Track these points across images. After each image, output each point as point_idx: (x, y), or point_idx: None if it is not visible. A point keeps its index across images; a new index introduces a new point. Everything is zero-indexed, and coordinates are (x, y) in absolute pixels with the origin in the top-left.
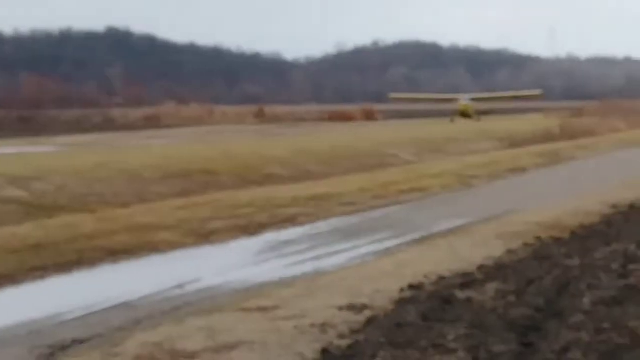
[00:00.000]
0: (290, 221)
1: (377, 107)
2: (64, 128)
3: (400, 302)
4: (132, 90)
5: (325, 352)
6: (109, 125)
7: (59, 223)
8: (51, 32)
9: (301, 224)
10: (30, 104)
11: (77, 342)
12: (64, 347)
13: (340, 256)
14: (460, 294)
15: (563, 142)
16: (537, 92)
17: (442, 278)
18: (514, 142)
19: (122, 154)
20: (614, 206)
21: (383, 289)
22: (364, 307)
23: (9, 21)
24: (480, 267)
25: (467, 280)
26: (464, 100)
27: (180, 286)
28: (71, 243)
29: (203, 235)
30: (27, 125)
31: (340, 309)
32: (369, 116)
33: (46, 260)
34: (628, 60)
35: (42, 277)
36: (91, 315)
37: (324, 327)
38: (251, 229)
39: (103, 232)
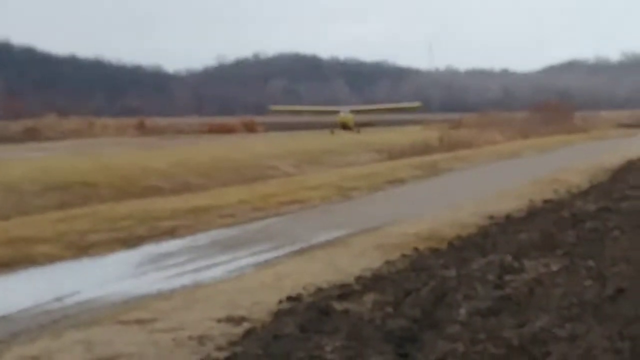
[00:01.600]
0: (170, 233)
1: (258, 119)
2: None
3: (279, 314)
4: (12, 102)
5: None
6: None
7: None
8: None
9: (181, 236)
10: None
11: None
12: None
13: (219, 268)
14: (338, 305)
15: (441, 154)
16: (416, 104)
17: (320, 289)
18: (393, 154)
19: (1, 166)
20: (490, 217)
21: (261, 301)
22: (242, 319)
23: None
24: (358, 279)
25: (345, 292)
26: (343, 113)
27: (58, 299)
28: None
29: (82, 247)
30: None
31: (219, 321)
32: (250, 128)
33: None
34: (505, 73)
35: None
36: None
37: (202, 339)
38: (130, 242)
39: None
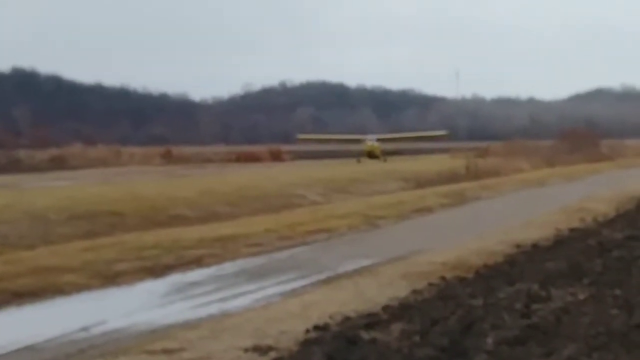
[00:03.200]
0: (197, 262)
1: (285, 147)
2: None
3: (306, 343)
4: (38, 131)
5: None
6: (14, 167)
7: None
8: None
9: (207, 265)
10: None
11: None
12: None
13: (246, 297)
14: (365, 334)
15: (468, 182)
16: (442, 132)
17: (347, 318)
18: (420, 183)
19: (27, 195)
20: (518, 246)
21: (288, 330)
22: (269, 348)
23: None
24: (385, 308)
25: (372, 321)
26: (370, 141)
27: (85, 329)
28: None
29: (109, 277)
30: None
31: (246, 350)
32: (276, 157)
33: None
34: (531, 101)
35: None
36: None
37: None
38: (157, 271)
39: (7, 275)
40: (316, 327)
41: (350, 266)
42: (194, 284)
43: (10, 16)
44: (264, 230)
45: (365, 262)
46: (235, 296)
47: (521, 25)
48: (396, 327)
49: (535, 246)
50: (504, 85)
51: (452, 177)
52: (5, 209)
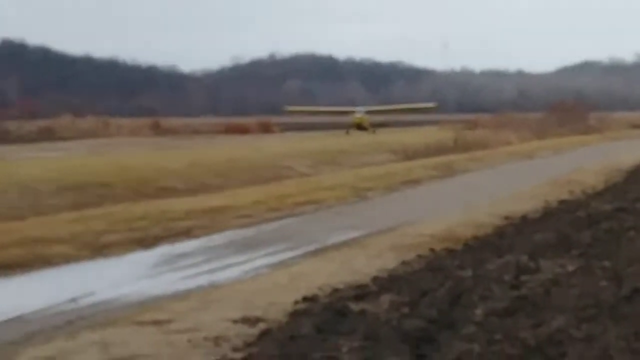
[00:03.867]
0: (186, 234)
1: (274, 119)
2: None
3: (295, 315)
4: (27, 102)
5: None
6: (2, 138)
7: None
8: None
9: (196, 236)
10: None
11: None
12: None
13: (235, 269)
14: (355, 306)
15: (457, 155)
16: (431, 104)
17: (336, 290)
18: (409, 155)
19: (16, 166)
20: (506, 217)
21: (277, 302)
22: (258, 319)
23: None
24: (374, 279)
25: (361, 292)
26: (359, 113)
27: (74, 300)
28: None
29: (97, 248)
30: None
31: (235, 321)
32: (266, 129)
33: None
34: (520, 74)
35: None
36: None
37: (217, 340)
38: (146, 242)
39: None
40: (305, 299)
41: (338, 238)
42: (183, 256)
43: None
44: (252, 202)
45: (353, 234)
46: (224, 268)
47: None
48: (385, 299)
49: (524, 218)
50: (493, 57)
51: (440, 150)
52: None
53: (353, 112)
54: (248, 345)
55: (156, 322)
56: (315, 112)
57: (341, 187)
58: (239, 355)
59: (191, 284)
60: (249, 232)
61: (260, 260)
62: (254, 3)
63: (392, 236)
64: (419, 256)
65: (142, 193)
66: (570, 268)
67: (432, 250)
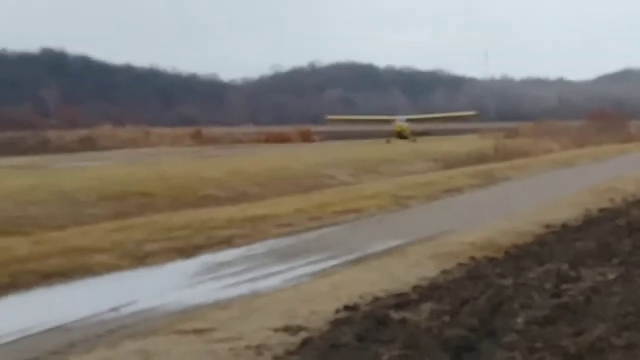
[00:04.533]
0: (226, 243)
1: (314, 128)
2: None
3: (336, 323)
4: (68, 112)
5: None
6: (43, 147)
7: None
8: None
9: (237, 245)
10: None
11: None
12: None
13: (276, 278)
14: (395, 315)
15: (497, 163)
16: (471, 113)
17: (377, 299)
18: (450, 163)
19: (57, 176)
20: (547, 226)
21: (318, 310)
22: (299, 328)
23: None
24: (415, 288)
25: (401, 301)
26: (399, 122)
27: (115, 309)
28: (4, 266)
29: (138, 257)
30: None
31: (276, 330)
32: (306, 137)
33: None
34: (560, 82)
35: None
36: (25, 339)
37: (259, 348)
38: (187, 251)
39: (37, 255)
40: (346, 307)
41: (379, 246)
42: (224, 264)
43: None
44: (293, 211)
45: (394, 243)
46: (265, 276)
47: (550, 6)
48: (426, 307)
49: (564, 226)
50: (533, 65)
51: (481, 158)
52: (34, 190)
53: (394, 120)
54: (289, 353)
55: (197, 331)
56: (355, 121)
57: (382, 196)
58: None
59: (232, 292)
60: (289, 240)
61: (301, 269)
62: (294, 12)
63: (432, 244)
64: (460, 264)
65: (183, 202)
66: (611, 276)
67: (472, 258)
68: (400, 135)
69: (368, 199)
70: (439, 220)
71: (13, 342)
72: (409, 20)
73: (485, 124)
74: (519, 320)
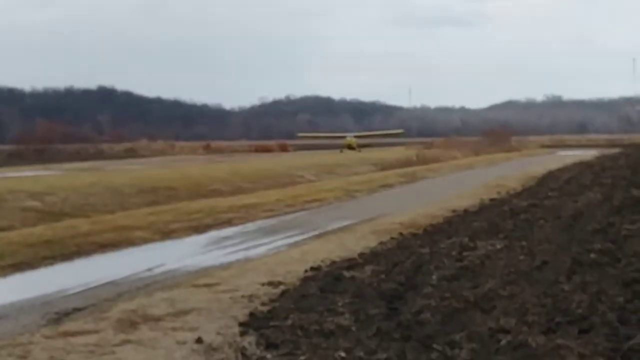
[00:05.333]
0: (228, 223)
1: (289, 142)
2: (67, 158)
3: (305, 279)
4: (116, 131)
5: (252, 315)
6: (99, 155)
7: (63, 225)
8: (58, 88)
9: (235, 224)
10: (43, 141)
11: (77, 309)
12: (67, 314)
13: (262, 247)
14: (347, 273)
15: (418, 166)
16: (400, 131)
17: (333, 262)
18: (384, 166)
19: (109, 176)
20: (453, 211)
21: (292, 270)
22: (279, 283)
23: (26, 78)
24: (361, 254)
25: (351, 264)
26: (349, 137)
27: (149, 269)
28: (72, 239)
29: (166, 233)
30: (41, 155)
31: (263, 284)
32: (283, 149)
33: (54, 251)
34: (462, 109)
35: (51, 264)
36: (87, 290)
37: (251, 297)
38: (200, 229)
39: (95, 231)
40: (312, 268)
41: (335, 225)
42: (226, 238)
43: (94, 41)
44: (274, 200)
45: (346, 223)
46: (255, 246)
47: (455, 52)
48: (368, 268)
49: (465, 211)
50: (443, 97)
51: (406, 163)
52: (93, 185)
53: (345, 136)
54: (272, 301)
55: (207, 285)
56: (318, 137)
57: (337, 190)
58: (265, 308)
59: (232, 258)
60: (272, 221)
61: (280, 241)
62: (276, 58)
63: (372, 224)
64: (392, 238)
65: (198, 194)
66: (498, 246)
67: (400, 234)
68: (350, 147)
69: (327, 192)
70: (377, 207)
71: (78, 292)
72: (357, 65)
73: (409, 139)
74: (434, 277)
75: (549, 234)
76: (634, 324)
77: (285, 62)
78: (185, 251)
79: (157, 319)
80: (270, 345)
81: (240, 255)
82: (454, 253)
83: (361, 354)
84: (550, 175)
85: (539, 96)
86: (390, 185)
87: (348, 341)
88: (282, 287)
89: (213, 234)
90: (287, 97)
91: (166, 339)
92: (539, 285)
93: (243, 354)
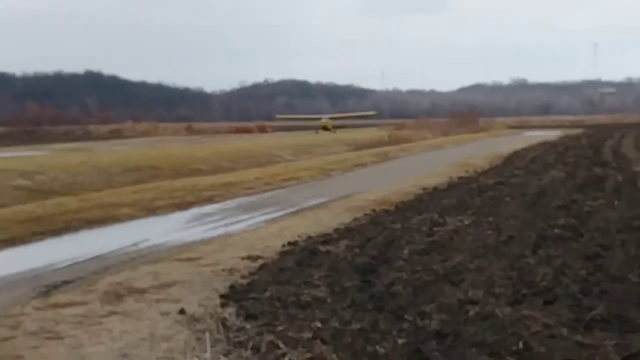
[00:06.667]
0: (209, 200)
1: (268, 124)
2: (56, 139)
3: (282, 254)
4: (103, 113)
5: (232, 287)
6: (86, 137)
7: (53, 202)
8: (47, 73)
9: (216, 202)
10: (32, 123)
11: (66, 282)
12: (56, 286)
13: (242, 223)
14: (322, 248)
15: (390, 146)
16: (373, 113)
17: (310, 237)
18: (358, 147)
19: (95, 156)
20: (424, 188)
21: (271, 245)
22: (258, 257)
23: (17, 63)
24: (336, 230)
25: (326, 239)
26: (325, 119)
27: (135, 244)
28: (61, 216)
29: (151, 210)
30: (31, 137)
31: (242, 258)
32: (262, 130)
33: (44, 227)
34: (432, 92)
35: (41, 239)
36: (75, 264)
37: (231, 270)
38: (183, 206)
39: (83, 209)
40: (289, 243)
41: (311, 202)
42: (208, 215)
43: (82, 27)
44: (254, 178)
45: (321, 200)
46: (235, 222)
47: (426, 38)
48: (343, 243)
49: (435, 189)
50: (414, 80)
51: (379, 143)
52: (80, 165)
53: (320, 118)
54: (251, 274)
55: (190, 259)
56: (295, 119)
57: (313, 169)
58: (245, 280)
59: (213, 233)
60: (251, 199)
61: (259, 217)
62: (255, 43)
63: (347, 201)
64: (365, 214)
65: (180, 173)
66: (466, 222)
67: (373, 210)
68: (325, 128)
69: (304, 170)
70: (351, 185)
71: (67, 267)
72: (333, 49)
73: (381, 121)
74: (405, 251)
75: (515, 210)
76: (595, 296)
77: (264, 47)
78: (168, 227)
79: (142, 292)
80: (249, 316)
81: (221, 230)
82: (424, 228)
83: (336, 324)
84: (516, 155)
85: (505, 79)
86: (363, 165)
87: (324, 312)
88: (260, 261)
89: (195, 210)
90: (266, 81)
91: (151, 310)
92: (505, 259)
93: (224, 325)
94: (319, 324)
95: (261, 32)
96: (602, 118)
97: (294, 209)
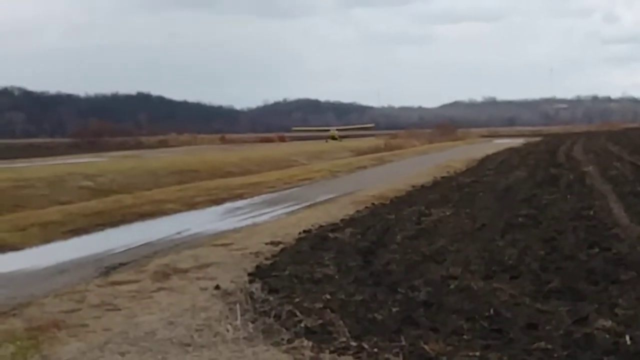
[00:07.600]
0: (239, 197)
1: (286, 134)
2: (113, 148)
3: (299, 239)
4: (152, 127)
5: (258, 267)
6: (138, 146)
7: (111, 200)
8: (106, 94)
9: (245, 198)
10: (94, 135)
11: (122, 264)
12: (114, 267)
13: (266, 215)
14: (331, 235)
15: (386, 152)
16: (371, 125)
17: (321, 226)
18: (360, 152)
19: (146, 161)
20: (413, 186)
21: (290, 233)
22: (279, 242)
23: (81, 86)
24: (342, 220)
25: (335, 227)
26: (332, 130)
27: (178, 233)
28: (118, 210)
29: (191, 205)
30: (93, 146)
31: (266, 244)
32: (282, 140)
33: (104, 220)
34: (420, 108)
35: (102, 229)
36: (130, 250)
37: (257, 254)
38: (218, 201)
39: (136, 204)
40: (305, 231)
41: (322, 198)
42: (238, 209)
43: (134, 55)
44: (275, 179)
45: (330, 196)
46: (260, 215)
47: (410, 64)
48: (348, 231)
49: (422, 186)
50: (405, 98)
51: (377, 149)
52: (134, 169)
53: (329, 130)
54: (274, 256)
55: (224, 245)
56: (308, 130)
57: (323, 171)
58: (269, 262)
59: (243, 223)
60: (273, 195)
61: (280, 210)
62: (276, 69)
63: (351, 197)
64: (366, 207)
65: (215, 175)
66: (448, 213)
67: (372, 204)
68: (333, 137)
69: (316, 172)
70: (354, 184)
71: (123, 251)
72: (339, 73)
73: (378, 132)
74: (398, 237)
75: (487, 203)
76: (552, 272)
77: (283, 71)
78: (206, 219)
79: (185, 271)
80: (272, 290)
81: (249, 221)
82: (414, 218)
83: (342, 296)
84: (487, 159)
85: (478, 97)
86: (364, 167)
87: (332, 286)
88: (281, 246)
89: (228, 205)
90: (285, 99)
91: (192, 286)
92: (479, 242)
93: (251, 297)
94: (328, 296)
95: (281, 58)
96: (556, 128)
97: (308, 203)
